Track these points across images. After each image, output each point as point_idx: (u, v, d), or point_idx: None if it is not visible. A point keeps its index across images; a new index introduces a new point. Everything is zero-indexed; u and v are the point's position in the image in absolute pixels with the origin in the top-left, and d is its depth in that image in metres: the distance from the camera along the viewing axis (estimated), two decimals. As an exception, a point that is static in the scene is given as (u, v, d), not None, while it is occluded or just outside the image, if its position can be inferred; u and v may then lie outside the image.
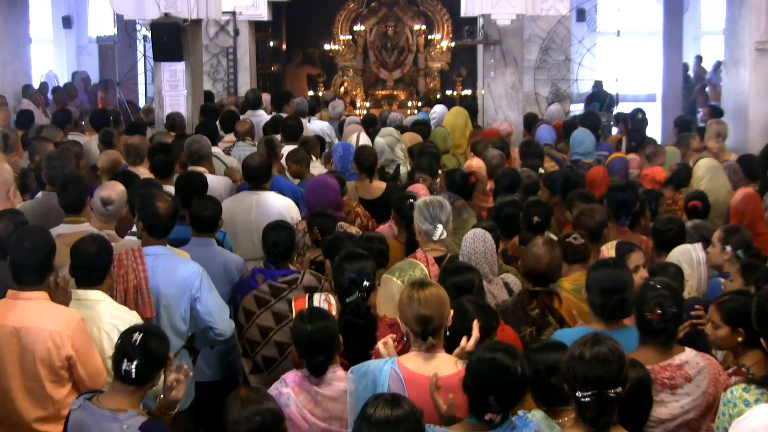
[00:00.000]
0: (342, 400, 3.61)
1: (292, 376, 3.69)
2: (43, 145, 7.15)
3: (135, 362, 3.31)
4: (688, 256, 4.73)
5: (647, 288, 3.73)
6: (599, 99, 13.75)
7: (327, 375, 3.63)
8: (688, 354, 3.68)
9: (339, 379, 3.64)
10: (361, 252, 4.24)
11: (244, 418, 3.06)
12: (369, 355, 3.94)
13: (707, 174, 7.22)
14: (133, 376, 3.33)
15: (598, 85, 14.59)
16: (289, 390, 3.63)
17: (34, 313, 3.82)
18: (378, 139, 7.82)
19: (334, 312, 3.99)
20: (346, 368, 3.95)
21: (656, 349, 3.66)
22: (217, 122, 9.25)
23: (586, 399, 2.98)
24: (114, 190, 5.16)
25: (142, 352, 3.33)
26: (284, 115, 9.71)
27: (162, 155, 6.36)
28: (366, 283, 4.03)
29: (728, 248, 5.04)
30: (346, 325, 4.00)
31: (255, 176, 6.17)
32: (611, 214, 5.78)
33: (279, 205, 6.05)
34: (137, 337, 3.35)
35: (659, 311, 3.62)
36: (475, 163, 7.18)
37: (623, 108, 13.38)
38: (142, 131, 8.43)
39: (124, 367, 3.33)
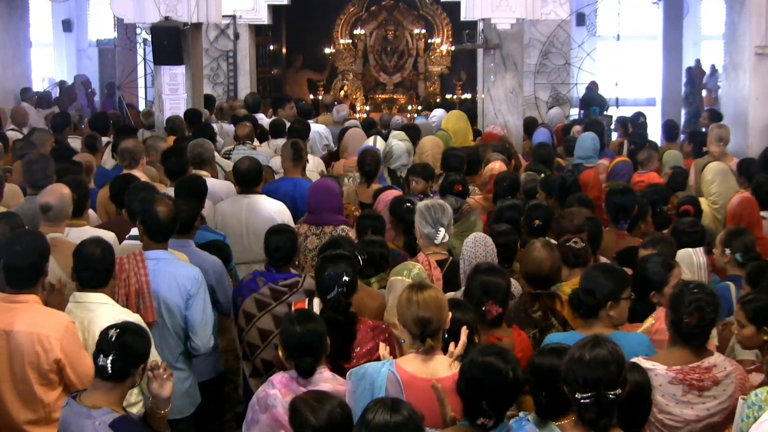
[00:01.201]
0: None
1: (279, 378, 3.71)
2: (30, 148, 7.04)
3: (110, 357, 3.32)
4: (689, 260, 4.73)
5: (685, 291, 3.72)
6: (594, 101, 13.76)
7: (314, 376, 3.65)
8: (717, 358, 3.70)
9: (326, 380, 3.65)
10: (342, 252, 4.26)
11: (325, 413, 3.10)
12: (348, 351, 3.98)
13: (717, 177, 7.22)
14: (109, 371, 3.34)
15: (591, 87, 14.60)
16: (276, 391, 3.64)
17: (24, 317, 3.82)
18: (398, 143, 7.77)
19: None
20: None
21: (689, 351, 3.67)
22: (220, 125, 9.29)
23: (586, 401, 2.98)
24: (52, 195, 4.97)
25: (117, 347, 3.34)
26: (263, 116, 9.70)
27: (174, 158, 6.36)
28: (345, 278, 4.04)
29: (727, 251, 5.05)
30: (325, 321, 4.01)
31: (246, 180, 6.16)
32: (610, 217, 5.79)
33: (270, 209, 6.04)
34: (113, 333, 3.38)
35: (698, 315, 3.62)
36: (498, 166, 7.17)
37: (623, 112, 13.40)
38: (132, 134, 8.39)
39: (100, 363, 3.35)
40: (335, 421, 3.11)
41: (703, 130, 10.22)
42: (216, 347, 5.03)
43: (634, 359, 3.59)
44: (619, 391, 3.00)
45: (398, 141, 7.79)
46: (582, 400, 2.98)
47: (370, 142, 8.02)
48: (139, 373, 3.46)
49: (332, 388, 3.60)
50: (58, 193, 4.99)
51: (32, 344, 3.78)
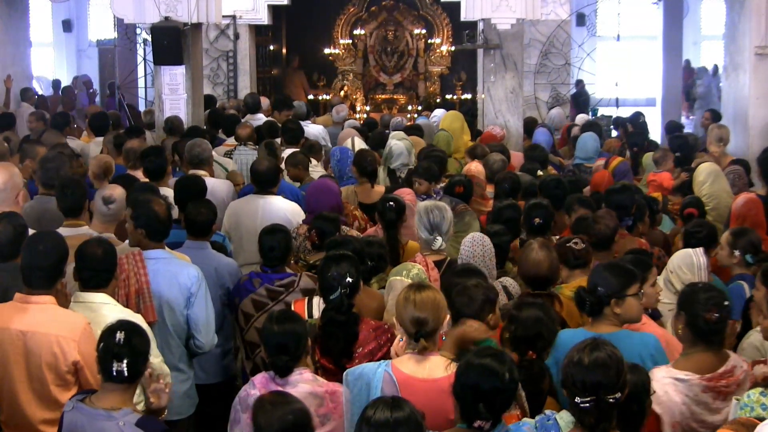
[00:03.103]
0: (307, 402, 3.60)
1: (259, 378, 3.73)
2: (34, 149, 7.05)
3: (125, 361, 3.33)
4: (689, 260, 4.72)
5: (698, 290, 3.72)
6: (582, 98, 13.81)
7: (293, 377, 3.65)
8: (733, 358, 3.70)
9: (305, 381, 3.66)
10: (346, 252, 4.27)
11: (276, 418, 3.09)
12: (351, 351, 3.99)
13: (709, 178, 7.22)
14: (126, 374, 3.35)
15: (577, 84, 14.66)
16: (256, 391, 3.65)
17: (41, 318, 3.84)
18: (397, 143, 7.75)
19: None
20: (327, 370, 3.98)
21: (712, 352, 3.65)
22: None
23: (585, 405, 2.96)
24: (115, 190, 5.17)
25: (129, 351, 3.35)
26: (262, 116, 9.69)
27: (153, 157, 6.34)
28: (348, 279, 4.05)
29: (737, 252, 5.03)
30: (328, 321, 4.04)
31: (263, 180, 6.17)
32: None
33: (285, 210, 6.05)
34: (120, 336, 3.37)
35: (717, 311, 3.61)
36: (474, 167, 7.16)
37: (623, 112, 13.41)
38: (140, 134, 8.42)
39: (115, 368, 3.34)
40: (285, 427, 3.09)
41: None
42: (230, 350, 5.04)
43: (663, 368, 3.62)
44: (618, 395, 2.98)
45: (397, 141, 7.78)
46: (581, 404, 2.97)
47: (348, 143, 8.01)
48: (145, 368, 3.49)
49: (311, 389, 3.61)
50: (120, 190, 5.15)
51: (50, 345, 3.79)
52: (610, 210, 5.50)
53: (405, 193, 6.09)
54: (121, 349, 3.34)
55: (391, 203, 5.41)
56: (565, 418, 3.21)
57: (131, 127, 9.52)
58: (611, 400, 2.96)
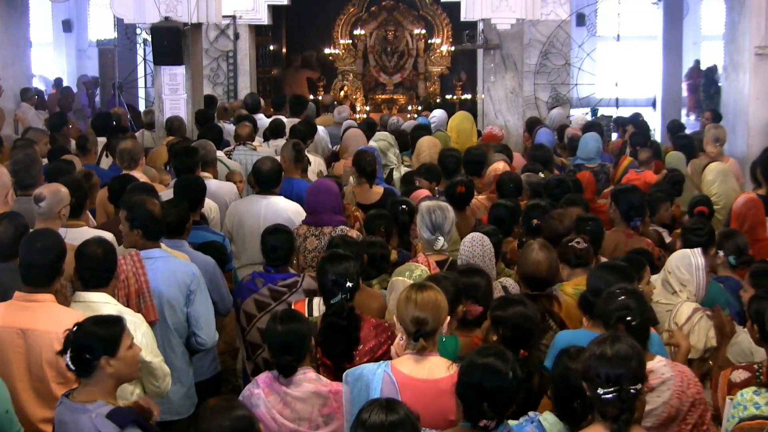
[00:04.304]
0: (310, 401, 3.65)
1: (263, 377, 3.73)
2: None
3: (68, 355, 3.34)
4: (687, 261, 4.72)
5: (608, 300, 3.68)
6: None
7: (297, 376, 3.66)
8: (656, 363, 3.63)
9: (309, 381, 3.66)
10: (344, 253, 4.27)
11: (215, 426, 3.00)
12: (352, 354, 4.00)
13: (718, 178, 7.25)
14: (72, 367, 3.35)
15: None
16: (259, 391, 3.67)
17: (41, 316, 3.85)
18: (371, 143, 7.79)
19: None
20: (327, 368, 3.98)
21: None
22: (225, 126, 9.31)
23: (608, 396, 2.98)
24: (48, 188, 4.98)
25: (71, 344, 3.34)
26: (283, 118, 9.70)
27: (184, 156, 6.35)
28: (349, 284, 4.06)
29: (721, 253, 5.06)
30: (328, 326, 4.04)
31: (265, 181, 6.16)
32: (622, 217, 5.76)
33: (289, 211, 6.04)
34: (69, 332, 3.39)
35: (623, 327, 3.57)
36: (502, 167, 7.18)
37: (623, 112, 13.41)
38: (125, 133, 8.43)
39: (64, 362, 3.37)
40: None
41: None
42: (212, 348, 5.04)
43: None
44: (639, 385, 3.01)
45: (372, 142, 7.82)
46: (604, 396, 2.99)
47: (373, 143, 8.03)
48: (114, 356, 3.40)
49: (315, 389, 3.62)
50: (54, 188, 4.99)
51: (51, 343, 3.79)
52: (561, 212, 5.52)
53: (423, 194, 6.13)
54: (65, 344, 3.36)
55: (404, 206, 5.43)
56: (549, 419, 3.23)
57: (115, 128, 9.49)
58: (633, 391, 2.99)
